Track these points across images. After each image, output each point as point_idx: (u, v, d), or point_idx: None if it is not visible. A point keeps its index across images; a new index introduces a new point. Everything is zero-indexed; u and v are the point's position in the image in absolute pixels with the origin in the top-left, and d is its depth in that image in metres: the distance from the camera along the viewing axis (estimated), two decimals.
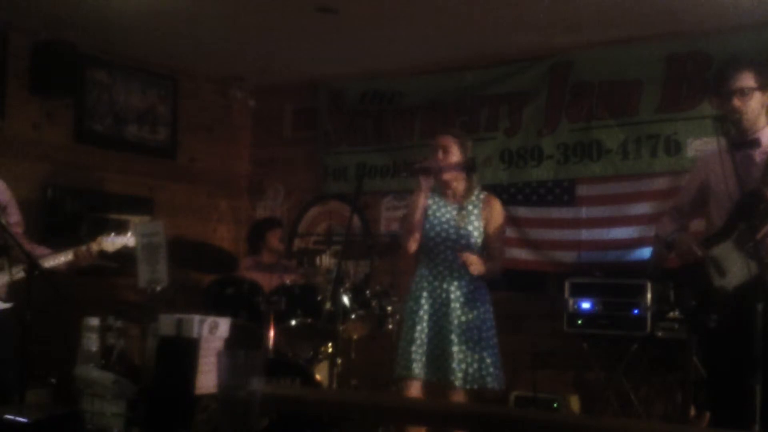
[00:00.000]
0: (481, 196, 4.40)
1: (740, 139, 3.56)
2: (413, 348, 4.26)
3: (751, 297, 3.22)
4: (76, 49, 5.96)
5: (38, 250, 4.33)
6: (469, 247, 4.28)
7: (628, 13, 5.22)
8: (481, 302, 4.30)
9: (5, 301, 4.20)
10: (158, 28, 5.82)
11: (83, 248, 4.38)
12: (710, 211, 3.79)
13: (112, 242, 4.46)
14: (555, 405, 5.44)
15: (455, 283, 4.27)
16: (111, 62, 6.40)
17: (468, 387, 4.20)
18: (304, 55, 6.34)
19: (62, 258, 4.34)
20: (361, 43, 6.06)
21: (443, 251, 4.31)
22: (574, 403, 5.55)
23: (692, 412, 4.70)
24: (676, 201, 4.13)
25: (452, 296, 4.26)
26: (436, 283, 4.31)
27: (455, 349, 4.19)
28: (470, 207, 4.34)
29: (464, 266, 4.21)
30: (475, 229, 4.31)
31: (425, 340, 4.26)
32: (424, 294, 4.31)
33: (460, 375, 4.17)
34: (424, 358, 4.25)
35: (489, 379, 4.22)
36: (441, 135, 4.41)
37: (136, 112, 6.59)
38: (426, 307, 4.30)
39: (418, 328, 4.27)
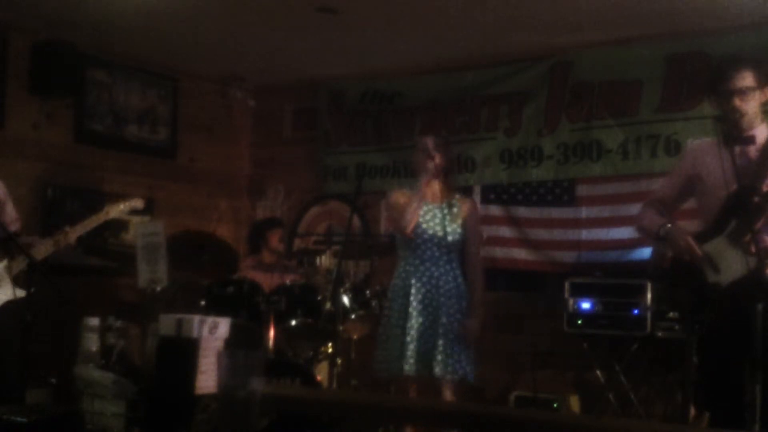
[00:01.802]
0: (458, 196, 4.61)
1: (737, 136, 3.56)
2: (406, 344, 4.35)
3: (747, 293, 3.20)
4: (76, 49, 5.95)
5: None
6: (453, 245, 4.48)
7: (628, 13, 5.22)
8: (463, 298, 4.48)
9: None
10: (158, 28, 5.82)
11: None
12: (701, 205, 3.78)
13: (119, 208, 4.55)
14: (555, 405, 5.43)
15: (443, 279, 4.44)
16: (111, 62, 6.40)
17: (449, 378, 4.32)
18: (304, 55, 6.34)
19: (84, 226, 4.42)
20: (361, 43, 6.06)
21: (430, 248, 4.46)
22: (574, 403, 5.55)
23: (692, 412, 4.70)
24: (660, 193, 4.04)
25: (441, 291, 4.41)
26: (425, 279, 4.44)
27: (441, 341, 4.33)
28: (452, 208, 4.52)
29: (450, 264, 4.46)
30: (459, 226, 4.49)
31: (415, 336, 4.37)
32: (412, 291, 4.43)
33: (442, 366, 4.30)
34: (414, 355, 4.35)
35: (467, 371, 4.37)
36: (424, 137, 4.61)
37: (136, 112, 6.59)
38: (415, 303, 4.41)
39: (408, 324, 4.37)
